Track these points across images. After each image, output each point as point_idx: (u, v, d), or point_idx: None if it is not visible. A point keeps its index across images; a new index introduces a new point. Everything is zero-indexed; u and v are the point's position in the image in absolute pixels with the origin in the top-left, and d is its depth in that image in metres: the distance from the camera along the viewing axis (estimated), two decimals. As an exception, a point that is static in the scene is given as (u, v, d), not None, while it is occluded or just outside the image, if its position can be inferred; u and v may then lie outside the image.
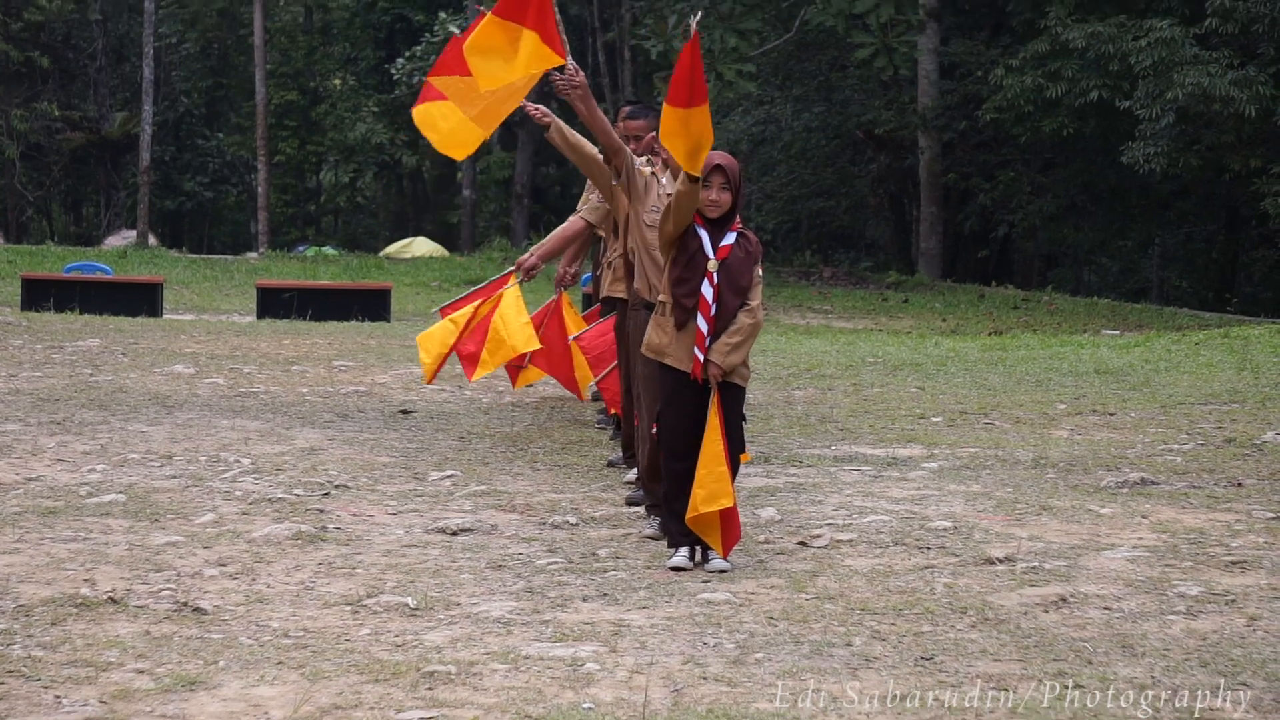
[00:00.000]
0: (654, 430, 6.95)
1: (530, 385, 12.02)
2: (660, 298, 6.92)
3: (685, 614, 5.90)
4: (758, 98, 36.50)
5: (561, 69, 7.66)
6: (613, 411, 9.83)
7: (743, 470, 8.08)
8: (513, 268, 9.63)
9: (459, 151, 8.87)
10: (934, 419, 11.26)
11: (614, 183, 7.61)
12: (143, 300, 20.11)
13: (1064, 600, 6.06)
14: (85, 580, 6.22)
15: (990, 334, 21.23)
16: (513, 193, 45.01)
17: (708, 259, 6.71)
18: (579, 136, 7.77)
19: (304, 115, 52.83)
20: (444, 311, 10.19)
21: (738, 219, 6.83)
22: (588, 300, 13.62)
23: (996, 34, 36.05)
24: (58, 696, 4.88)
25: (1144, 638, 5.58)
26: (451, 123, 8.57)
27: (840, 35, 30.87)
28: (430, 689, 4.98)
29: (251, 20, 42.49)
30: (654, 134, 8.34)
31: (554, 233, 9.56)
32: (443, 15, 43.00)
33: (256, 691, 4.95)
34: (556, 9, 7.85)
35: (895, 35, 29.69)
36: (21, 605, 5.84)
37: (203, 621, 5.71)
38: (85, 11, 50.05)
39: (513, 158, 45.28)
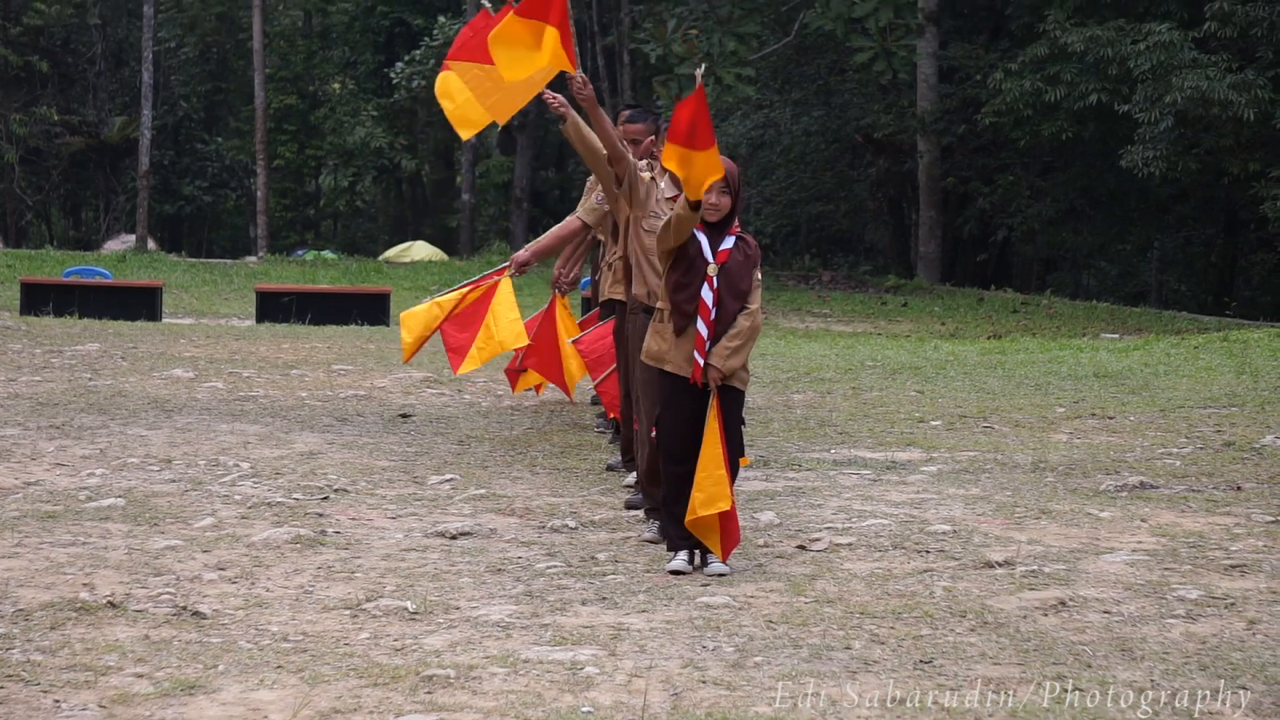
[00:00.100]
0: (653, 434, 6.96)
1: (529, 389, 12.04)
2: (659, 304, 6.92)
3: (684, 617, 5.90)
4: (757, 101, 36.50)
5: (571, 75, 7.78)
6: (612, 415, 9.83)
7: (742, 474, 8.08)
8: (506, 263, 9.64)
9: (466, 129, 8.97)
10: (933, 423, 11.26)
11: (615, 190, 7.67)
12: (142, 304, 20.11)
13: (1063, 604, 6.06)
14: (84, 584, 6.22)
15: (989, 338, 21.24)
16: (512, 196, 44.99)
17: (707, 263, 6.72)
18: (593, 134, 7.80)
19: (303, 119, 52.82)
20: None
21: (736, 223, 6.84)
22: (587, 304, 13.62)
23: (995, 38, 36.06)
24: (57, 701, 4.87)
25: (1143, 641, 5.58)
26: (466, 96, 8.76)
27: (839, 39, 30.88)
28: (429, 693, 4.98)
29: (250, 24, 42.49)
30: (653, 138, 8.37)
31: (550, 231, 9.56)
32: (441, 19, 42.96)
33: (256, 695, 4.95)
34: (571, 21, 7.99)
35: (894, 39, 29.70)
36: (21, 609, 5.84)
37: (202, 626, 5.71)
38: (84, 16, 50.04)
39: (512, 161, 45.27)
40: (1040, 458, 9.68)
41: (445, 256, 38.93)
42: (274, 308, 20.58)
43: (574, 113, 7.74)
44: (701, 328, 6.69)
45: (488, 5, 8.84)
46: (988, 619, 5.87)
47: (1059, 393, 12.91)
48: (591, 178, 9.22)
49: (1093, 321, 25.84)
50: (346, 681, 5.08)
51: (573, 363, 10.65)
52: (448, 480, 8.79)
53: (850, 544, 7.15)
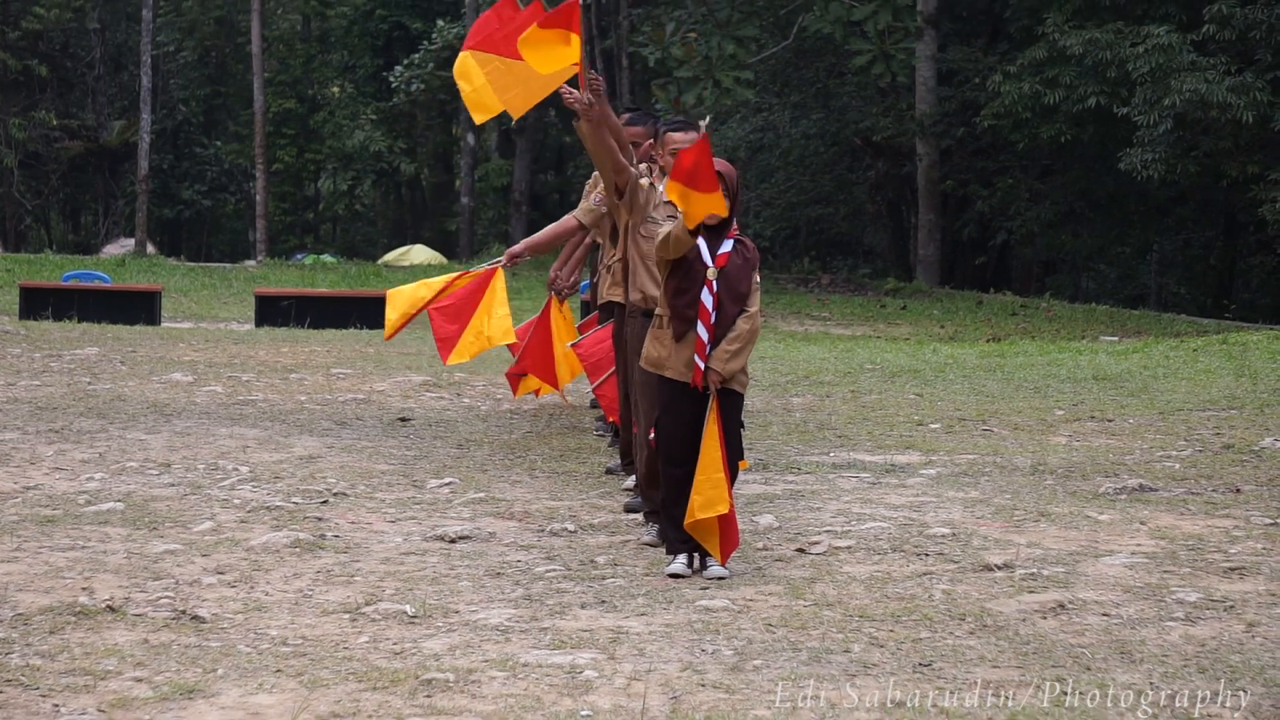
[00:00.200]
0: (652, 437, 6.96)
1: (529, 393, 12.03)
2: (658, 311, 6.93)
3: (683, 621, 5.90)
4: (755, 105, 36.51)
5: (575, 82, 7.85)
6: (611, 419, 9.83)
7: (741, 477, 8.08)
8: (500, 258, 9.63)
9: (481, 114, 9.02)
10: (932, 426, 11.26)
11: (616, 200, 7.69)
12: (141, 308, 20.12)
13: (1062, 606, 6.06)
14: (83, 589, 6.21)
15: (988, 340, 21.24)
16: (511, 200, 45.00)
17: (706, 267, 6.72)
18: (607, 136, 7.80)
19: (302, 123, 52.82)
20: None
21: (735, 226, 6.84)
22: (586, 308, 13.62)
23: (994, 41, 36.07)
24: (56, 705, 4.87)
25: (1142, 644, 5.58)
26: (483, 82, 8.83)
27: (838, 42, 30.90)
28: (429, 697, 4.98)
29: (249, 28, 42.49)
30: (651, 141, 8.38)
31: (546, 228, 9.57)
32: (440, 23, 43.03)
33: (255, 700, 4.95)
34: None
35: (893, 42, 29.72)
36: (20, 614, 5.83)
37: (201, 630, 5.71)
38: (83, 20, 50.06)
39: (511, 165, 45.28)
40: (1039, 460, 9.68)
41: (445, 260, 38.95)
42: (273, 311, 20.58)
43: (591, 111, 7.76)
44: (702, 331, 6.69)
45: None
46: (987, 622, 5.87)
47: (1058, 395, 12.92)
48: (590, 180, 9.23)
49: (1092, 324, 25.85)
50: (345, 685, 5.08)
51: (565, 366, 10.68)
52: (447, 484, 8.79)
53: (849, 547, 7.15)
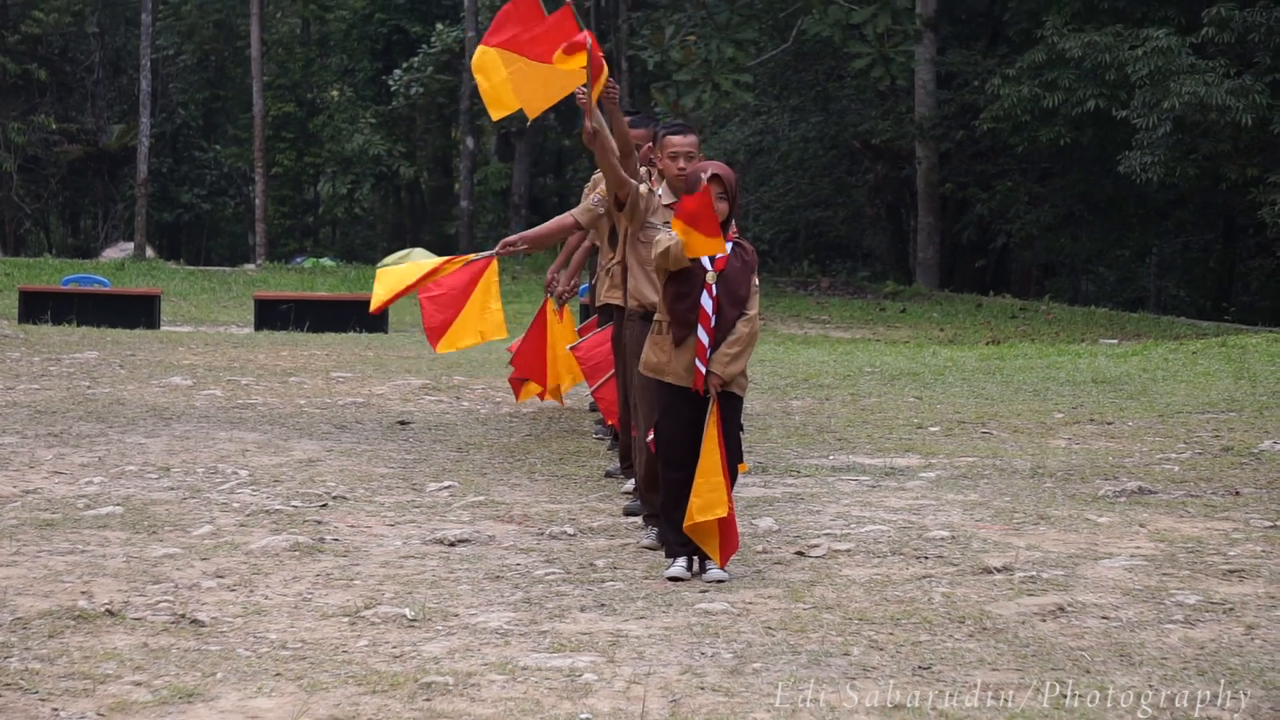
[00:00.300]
0: (651, 440, 6.96)
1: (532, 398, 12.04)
2: (657, 316, 6.93)
3: (683, 624, 5.90)
4: (755, 108, 36.52)
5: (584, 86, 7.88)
6: (610, 422, 9.83)
7: (740, 480, 8.08)
8: (494, 250, 9.60)
9: (498, 110, 8.99)
10: (932, 428, 11.26)
11: (616, 211, 7.70)
12: (140, 312, 20.12)
13: (1062, 609, 6.06)
14: (83, 592, 6.21)
15: (988, 343, 21.25)
16: (510, 203, 45.00)
17: (705, 270, 6.72)
18: (614, 141, 7.82)
19: (301, 127, 52.79)
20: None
21: (734, 229, 6.84)
22: (585, 311, 13.63)
23: (993, 44, 36.08)
24: (55, 709, 4.87)
25: (1142, 646, 5.58)
26: (502, 78, 8.80)
27: (837, 45, 30.90)
28: (428, 700, 4.98)
29: (248, 32, 42.49)
30: (650, 144, 8.39)
31: (544, 224, 9.56)
32: (440, 27, 43.03)
33: (254, 703, 4.95)
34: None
35: (892, 45, 29.72)
36: (19, 618, 5.83)
37: (200, 633, 5.70)
38: (82, 24, 50.03)
39: (510, 168, 45.27)
40: (1039, 463, 9.69)
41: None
42: (272, 315, 20.58)
43: (600, 115, 7.76)
44: (702, 335, 6.69)
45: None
46: (986, 624, 5.87)
47: (1057, 398, 12.92)
48: (590, 181, 9.24)
49: (1091, 327, 25.86)
50: (345, 689, 5.08)
51: (560, 366, 10.70)
52: (446, 487, 8.79)
53: (849, 550, 7.15)
